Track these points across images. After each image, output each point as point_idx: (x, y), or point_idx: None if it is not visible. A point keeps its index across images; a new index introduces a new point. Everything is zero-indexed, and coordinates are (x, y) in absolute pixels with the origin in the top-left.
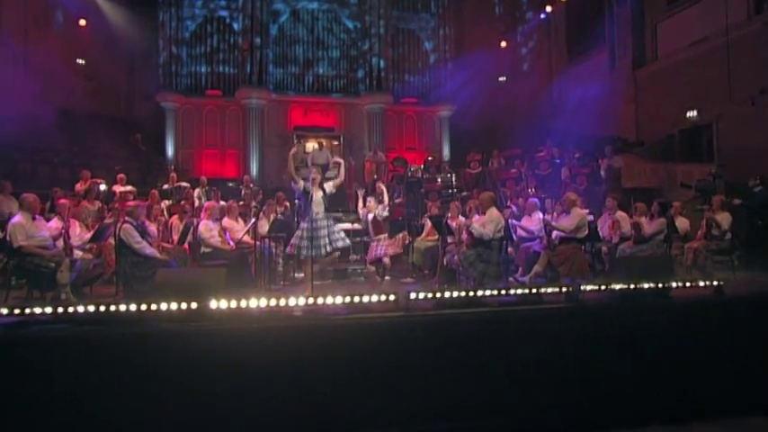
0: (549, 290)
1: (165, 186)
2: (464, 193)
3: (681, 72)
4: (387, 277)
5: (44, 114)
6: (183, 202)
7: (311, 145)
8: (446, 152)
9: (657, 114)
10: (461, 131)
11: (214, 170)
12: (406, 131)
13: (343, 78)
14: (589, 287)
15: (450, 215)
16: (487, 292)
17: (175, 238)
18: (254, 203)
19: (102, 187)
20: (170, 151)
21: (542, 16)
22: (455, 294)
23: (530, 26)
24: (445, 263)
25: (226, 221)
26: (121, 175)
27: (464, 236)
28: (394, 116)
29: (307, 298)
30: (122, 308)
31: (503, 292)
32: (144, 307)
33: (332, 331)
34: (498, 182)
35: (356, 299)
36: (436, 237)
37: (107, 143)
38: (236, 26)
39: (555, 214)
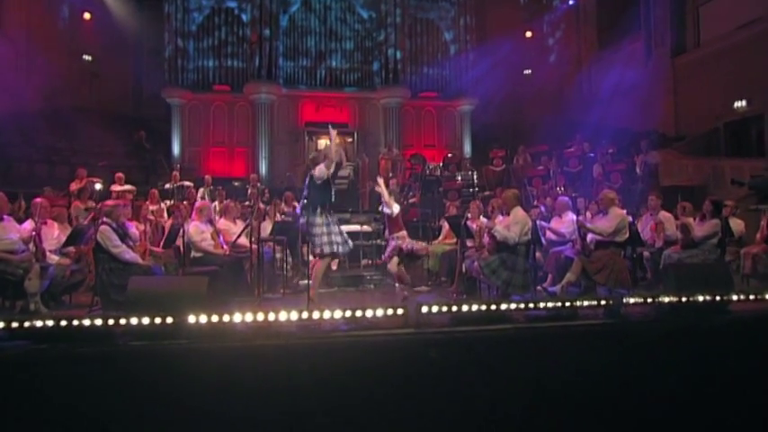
0: (586, 303)
1: (167, 186)
2: (486, 193)
3: (726, 59)
4: (397, 284)
5: (44, 112)
6: (185, 203)
7: (323, 142)
8: (467, 149)
9: (699, 106)
10: (483, 127)
11: (222, 169)
12: (425, 127)
13: (358, 71)
14: (632, 300)
15: (469, 216)
16: (513, 306)
17: None
18: (260, 204)
19: (98, 186)
20: (176, 149)
21: (570, 2)
22: (475, 308)
23: (557, 14)
24: (464, 270)
25: (222, 223)
26: (119, 174)
27: (486, 239)
28: (411, 111)
29: (300, 312)
30: (87, 322)
31: (531, 305)
32: (111, 321)
33: (330, 351)
34: (524, 180)
35: (358, 313)
36: (455, 240)
37: (110, 141)
38: (244, 17)
39: (589, 215)
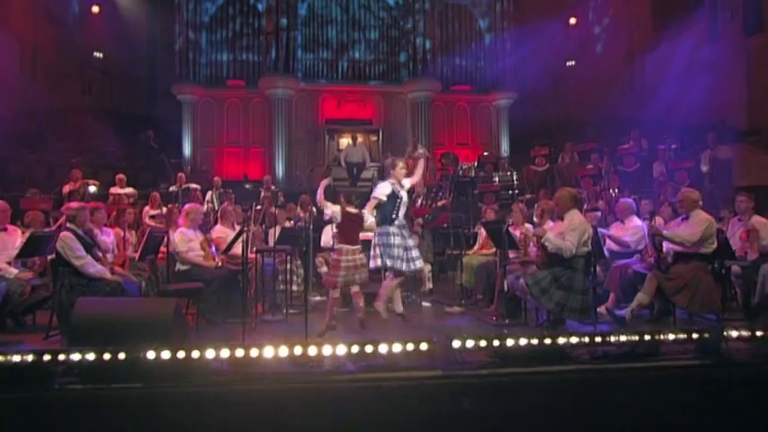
0: (672, 336)
1: (172, 188)
2: (527, 196)
3: None
4: (426, 303)
5: (51, 112)
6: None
7: (345, 141)
8: (504, 148)
9: None
10: (523, 123)
11: (236, 171)
12: (457, 124)
13: (383, 63)
14: (735, 332)
15: (512, 221)
16: (574, 339)
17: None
18: (274, 208)
19: (93, 189)
20: (187, 150)
21: None
22: (523, 342)
23: None
24: (506, 287)
25: (218, 230)
26: (120, 176)
27: (532, 250)
28: (442, 106)
29: (292, 347)
30: (15, 358)
31: (598, 338)
32: (47, 357)
33: (331, 400)
34: (572, 180)
35: (368, 348)
36: (493, 250)
37: (118, 142)
38: (260, 7)
39: (660, 220)
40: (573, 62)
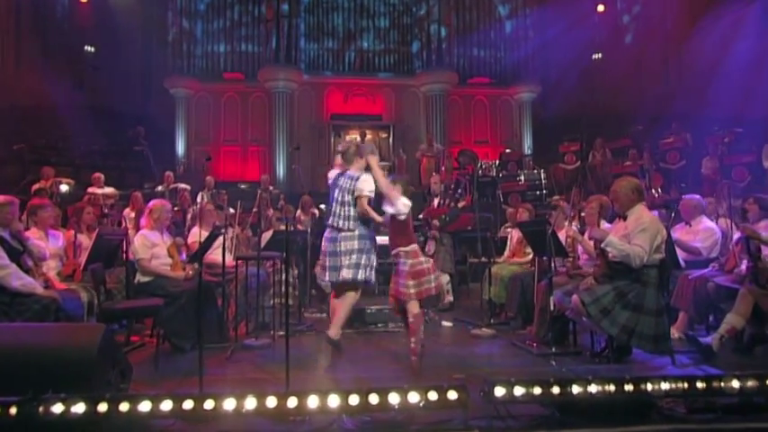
0: None
1: (159, 188)
2: (556, 197)
3: None
4: (446, 323)
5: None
6: (175, 208)
7: (352, 138)
8: (528, 146)
9: None
10: (548, 119)
11: (234, 172)
12: (475, 119)
13: (394, 53)
14: None
15: (554, 222)
16: (666, 385)
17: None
18: (271, 210)
19: (65, 188)
20: (180, 148)
21: None
22: (594, 389)
23: None
24: (552, 306)
25: (194, 233)
26: (97, 175)
27: (582, 257)
28: (459, 101)
29: (262, 399)
30: None
31: (699, 384)
32: None
33: None
34: (607, 179)
35: (374, 398)
36: (527, 258)
37: (103, 139)
38: None
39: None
40: (600, 54)
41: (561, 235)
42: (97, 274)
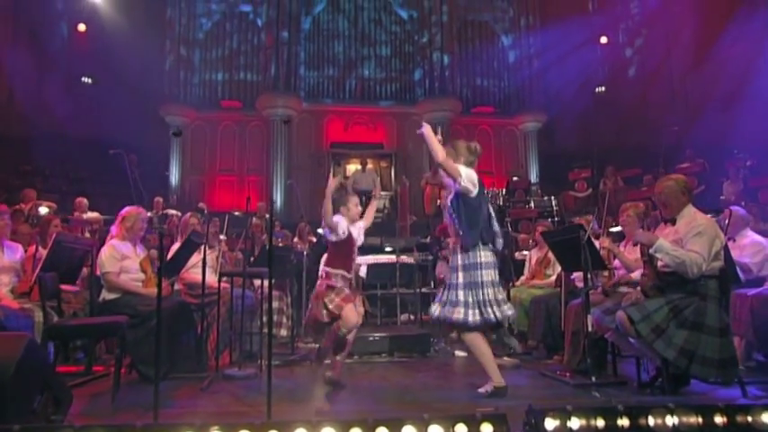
0: None
1: (148, 214)
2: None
3: None
4: (460, 353)
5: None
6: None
7: (353, 167)
8: (534, 176)
9: None
10: (555, 150)
11: (230, 202)
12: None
13: (396, 82)
14: None
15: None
16: (766, 417)
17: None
18: (265, 236)
19: (44, 210)
20: (174, 178)
21: None
22: (671, 422)
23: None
24: (590, 327)
25: (175, 248)
26: (80, 199)
27: (618, 273)
28: (462, 130)
29: None
30: None
31: None
32: None
33: None
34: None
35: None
36: (550, 279)
37: (95, 168)
38: (260, 22)
39: None
40: (603, 88)
41: (601, 244)
42: (46, 285)
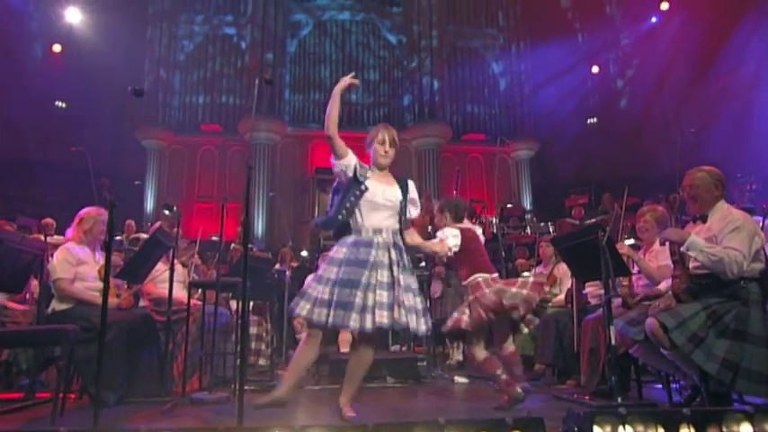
0: None
1: (118, 238)
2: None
3: None
4: (460, 379)
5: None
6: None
7: None
8: (527, 204)
9: None
10: (548, 177)
11: (208, 230)
12: (471, 178)
13: (384, 106)
14: None
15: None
16: None
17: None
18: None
19: None
20: (149, 205)
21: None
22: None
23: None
24: (613, 340)
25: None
26: (48, 220)
27: (636, 284)
28: (453, 158)
29: None
30: None
31: None
32: None
33: None
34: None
35: None
36: (559, 297)
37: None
38: (244, 45)
39: None
40: (594, 119)
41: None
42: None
